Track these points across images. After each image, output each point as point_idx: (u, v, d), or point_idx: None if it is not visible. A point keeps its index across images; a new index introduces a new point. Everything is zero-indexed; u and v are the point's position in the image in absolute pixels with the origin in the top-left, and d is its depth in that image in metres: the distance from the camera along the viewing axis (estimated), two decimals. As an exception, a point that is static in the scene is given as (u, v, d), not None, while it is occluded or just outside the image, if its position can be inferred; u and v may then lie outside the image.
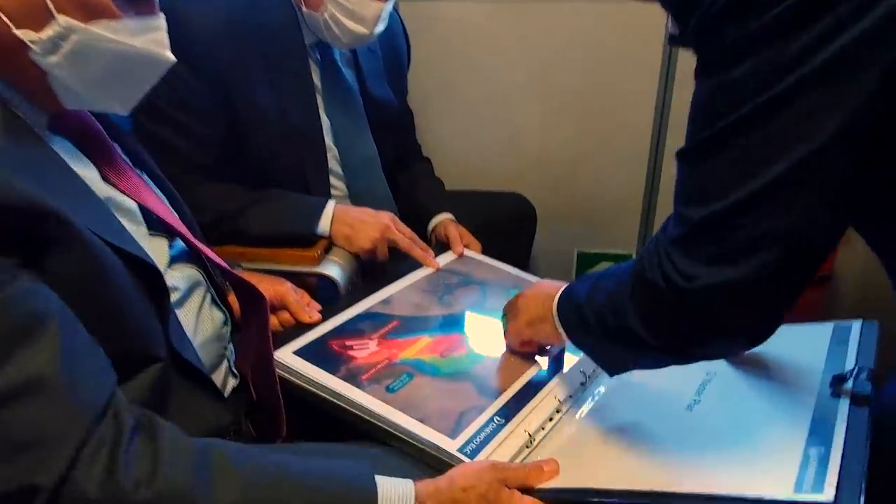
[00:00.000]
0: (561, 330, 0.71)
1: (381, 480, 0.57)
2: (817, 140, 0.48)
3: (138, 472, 0.47)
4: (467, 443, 0.68)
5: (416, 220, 1.21)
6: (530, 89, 1.52)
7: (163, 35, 0.60)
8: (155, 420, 0.52)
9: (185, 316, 0.68)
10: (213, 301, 0.75)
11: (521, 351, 0.82)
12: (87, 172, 0.61)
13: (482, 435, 0.70)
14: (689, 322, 0.56)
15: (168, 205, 0.73)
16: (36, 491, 0.44)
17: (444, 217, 1.20)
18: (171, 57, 0.61)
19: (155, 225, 0.67)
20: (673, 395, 0.74)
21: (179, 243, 0.71)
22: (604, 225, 1.64)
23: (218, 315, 0.75)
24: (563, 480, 0.64)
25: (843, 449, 0.57)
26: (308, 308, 0.89)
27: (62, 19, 0.53)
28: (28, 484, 0.44)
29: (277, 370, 0.76)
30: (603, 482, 0.62)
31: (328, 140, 1.11)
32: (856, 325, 0.79)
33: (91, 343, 0.51)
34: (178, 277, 0.68)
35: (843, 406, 0.64)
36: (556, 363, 0.83)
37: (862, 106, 0.47)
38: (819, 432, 0.61)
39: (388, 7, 1.04)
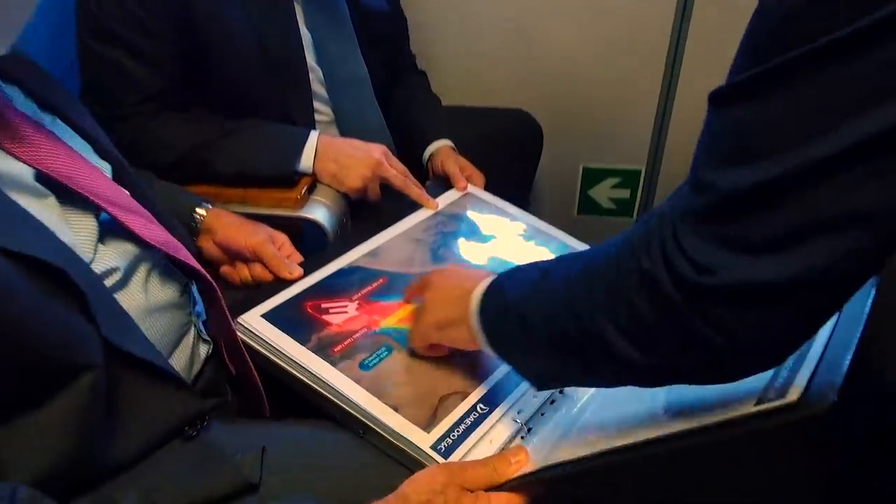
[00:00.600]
0: (481, 336, 0.58)
1: None
2: None
3: None
4: (443, 437, 0.61)
5: (410, 145, 1.10)
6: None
7: None
8: (37, 496, 0.44)
9: (131, 297, 0.59)
10: (166, 269, 0.65)
11: (429, 354, 0.69)
12: None
13: (462, 426, 0.63)
14: (695, 333, 0.41)
15: (99, 161, 0.61)
16: None
17: (441, 144, 1.08)
18: None
19: (69, 194, 0.55)
20: None
21: None
22: (612, 138, 1.53)
23: (173, 283, 0.65)
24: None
25: (829, 337, 0.47)
26: (288, 261, 0.80)
27: None
28: None
29: (243, 336, 0.69)
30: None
31: (310, 59, 0.97)
32: None
33: None
34: (112, 255, 0.58)
35: None
36: None
37: None
38: None
39: None
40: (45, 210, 0.50)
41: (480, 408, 0.66)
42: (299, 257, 0.83)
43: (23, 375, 0.46)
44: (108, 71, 0.85)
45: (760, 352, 0.42)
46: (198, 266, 0.64)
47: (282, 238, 0.84)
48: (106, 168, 0.62)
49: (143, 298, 0.60)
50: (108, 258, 0.57)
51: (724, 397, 0.48)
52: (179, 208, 0.80)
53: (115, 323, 0.53)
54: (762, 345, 0.41)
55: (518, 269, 0.58)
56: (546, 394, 0.69)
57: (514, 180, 1.28)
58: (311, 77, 0.98)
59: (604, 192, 1.62)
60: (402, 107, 1.15)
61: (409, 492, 0.54)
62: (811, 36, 0.35)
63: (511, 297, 0.56)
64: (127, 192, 0.61)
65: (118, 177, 0.63)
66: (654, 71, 1.42)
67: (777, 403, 0.42)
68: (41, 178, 0.52)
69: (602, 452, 0.51)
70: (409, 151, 1.09)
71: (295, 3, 0.93)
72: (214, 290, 0.65)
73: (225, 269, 0.83)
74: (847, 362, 0.43)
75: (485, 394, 0.67)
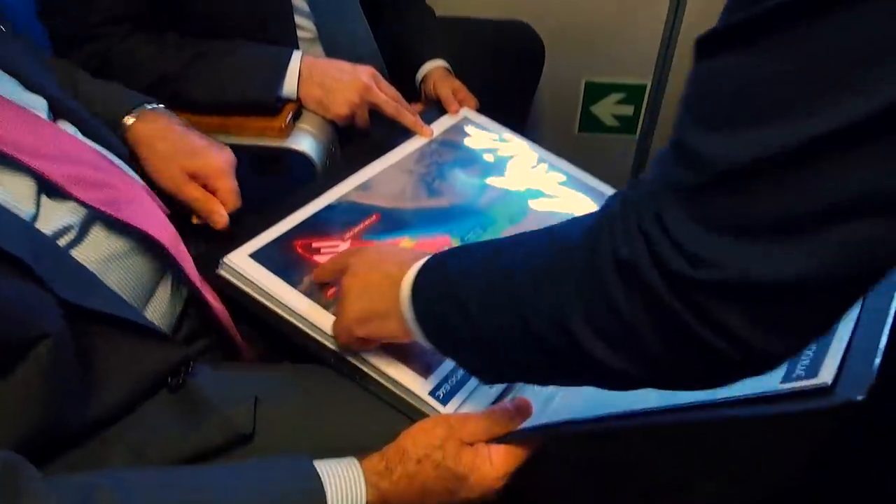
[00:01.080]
0: (416, 329, 0.51)
1: (324, 471, 0.49)
2: None
3: None
4: (441, 383, 0.59)
5: (403, 66, 1.02)
6: None
7: None
8: (16, 461, 0.42)
9: (90, 251, 0.54)
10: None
11: (361, 347, 0.61)
12: None
13: (460, 372, 0.60)
14: (686, 335, 0.34)
15: (31, 98, 0.54)
16: None
17: (435, 65, 1.00)
18: None
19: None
20: None
21: None
22: (616, 51, 1.44)
23: (131, 233, 0.61)
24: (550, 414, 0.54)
25: (860, 310, 0.42)
26: (214, 210, 0.72)
27: None
28: None
29: (229, 277, 0.66)
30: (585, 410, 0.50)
31: (289, -33, 0.88)
32: None
33: None
34: (63, 212, 0.53)
35: None
36: None
37: None
38: None
39: None
40: None
41: None
42: (222, 208, 0.73)
43: None
44: None
45: (765, 355, 0.35)
46: (142, 227, 0.58)
47: (215, 169, 0.72)
48: (40, 105, 0.56)
49: (106, 248, 0.56)
50: (60, 215, 0.52)
51: None
52: (112, 119, 0.71)
53: (73, 281, 0.49)
54: (769, 347, 0.34)
55: (463, 247, 0.50)
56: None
57: (513, 96, 1.21)
58: (290, -12, 0.89)
59: (606, 109, 1.55)
60: (393, 22, 1.06)
61: (407, 445, 0.53)
62: None
63: (453, 279, 0.47)
64: (68, 131, 0.54)
65: (56, 112, 0.56)
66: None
67: (808, 383, 0.38)
68: None
69: (616, 415, 0.48)
70: (402, 72, 1.01)
71: None
72: (165, 248, 0.60)
73: None
74: (884, 339, 0.38)
75: None
